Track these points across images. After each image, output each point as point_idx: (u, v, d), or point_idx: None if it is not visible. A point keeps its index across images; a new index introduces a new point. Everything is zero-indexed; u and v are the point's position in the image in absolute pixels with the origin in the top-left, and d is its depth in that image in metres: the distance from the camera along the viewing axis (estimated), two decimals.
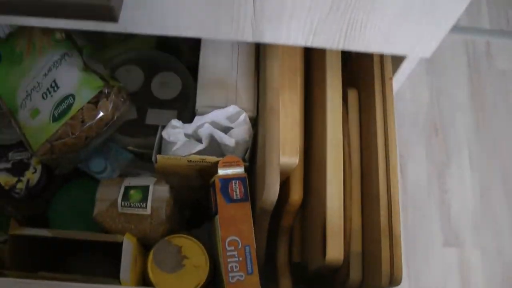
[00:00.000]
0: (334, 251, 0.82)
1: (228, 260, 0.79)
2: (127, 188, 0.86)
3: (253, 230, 0.81)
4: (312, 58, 0.98)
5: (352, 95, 0.94)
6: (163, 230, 0.86)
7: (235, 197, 0.83)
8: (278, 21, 0.75)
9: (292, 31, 0.77)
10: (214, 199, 0.84)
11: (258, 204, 0.83)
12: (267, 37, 0.79)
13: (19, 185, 0.95)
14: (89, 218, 0.89)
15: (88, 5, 0.60)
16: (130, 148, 0.99)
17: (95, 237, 0.83)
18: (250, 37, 0.79)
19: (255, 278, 0.79)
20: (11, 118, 0.94)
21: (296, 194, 0.90)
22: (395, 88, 0.91)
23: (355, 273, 0.86)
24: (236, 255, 0.79)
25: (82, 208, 0.95)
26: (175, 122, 0.88)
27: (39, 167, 0.96)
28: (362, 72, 0.95)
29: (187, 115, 0.98)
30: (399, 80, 0.95)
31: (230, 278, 0.78)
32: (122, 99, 0.91)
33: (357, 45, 0.80)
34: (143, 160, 1.00)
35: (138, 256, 0.83)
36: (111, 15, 0.61)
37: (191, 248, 0.84)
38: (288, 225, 0.97)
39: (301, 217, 0.97)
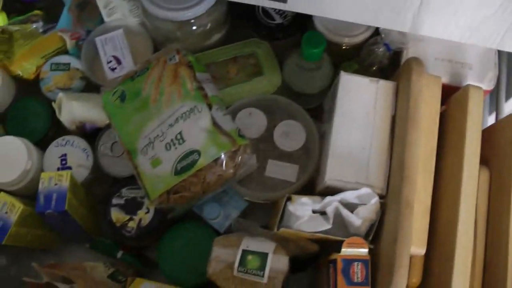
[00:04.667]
0: None
1: None
2: (245, 252, 0.84)
3: None
4: (446, 122, 0.91)
5: (484, 176, 0.88)
6: None
7: (355, 280, 0.80)
8: (441, 14, 0.78)
9: (450, 26, 0.79)
10: (334, 278, 0.81)
11: None
12: (424, 30, 0.81)
13: (131, 224, 0.92)
14: (197, 262, 0.90)
15: None
16: (247, 198, 0.96)
17: None
18: (407, 28, 0.82)
19: None
20: (128, 160, 0.91)
21: (414, 277, 0.86)
22: None
23: None
24: None
25: (191, 252, 0.94)
26: (304, 199, 0.84)
27: (152, 208, 0.93)
28: (495, 151, 0.89)
29: (308, 172, 0.94)
30: None
31: None
32: (246, 157, 0.87)
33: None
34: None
35: None
36: None
37: None
38: None
39: None
